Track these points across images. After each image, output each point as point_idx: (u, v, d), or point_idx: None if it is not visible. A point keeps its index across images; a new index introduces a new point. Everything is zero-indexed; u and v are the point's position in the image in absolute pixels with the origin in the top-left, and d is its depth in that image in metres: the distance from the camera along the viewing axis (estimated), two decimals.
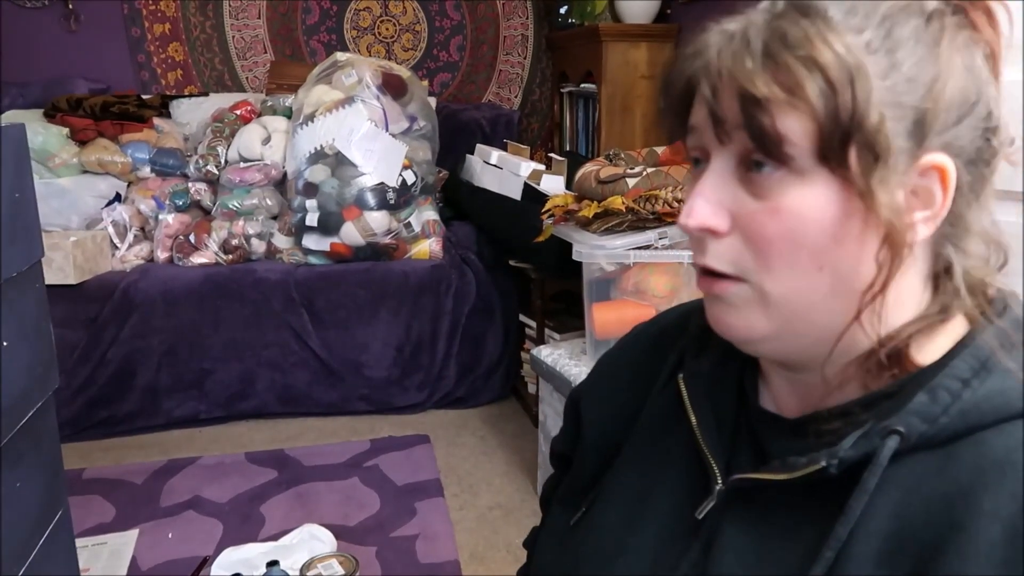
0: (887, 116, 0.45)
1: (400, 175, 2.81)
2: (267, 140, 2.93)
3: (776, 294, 0.49)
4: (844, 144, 0.45)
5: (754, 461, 0.55)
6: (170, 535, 2.04)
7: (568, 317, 2.59)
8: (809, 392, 0.54)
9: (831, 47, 0.45)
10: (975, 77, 0.48)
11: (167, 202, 2.87)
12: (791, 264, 0.48)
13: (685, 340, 0.64)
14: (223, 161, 2.92)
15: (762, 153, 0.47)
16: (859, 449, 0.47)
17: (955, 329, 0.51)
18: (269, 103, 3.10)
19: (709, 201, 0.50)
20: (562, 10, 3.33)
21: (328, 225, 2.74)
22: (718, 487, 0.55)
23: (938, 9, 0.48)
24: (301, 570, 1.68)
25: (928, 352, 0.50)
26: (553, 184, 2.59)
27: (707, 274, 0.52)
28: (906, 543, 0.45)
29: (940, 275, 0.51)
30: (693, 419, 0.59)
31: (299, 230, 2.78)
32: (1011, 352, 0.48)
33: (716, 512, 0.55)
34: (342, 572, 1.68)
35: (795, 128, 0.46)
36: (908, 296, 0.51)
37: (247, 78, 3.58)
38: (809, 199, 0.47)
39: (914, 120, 0.46)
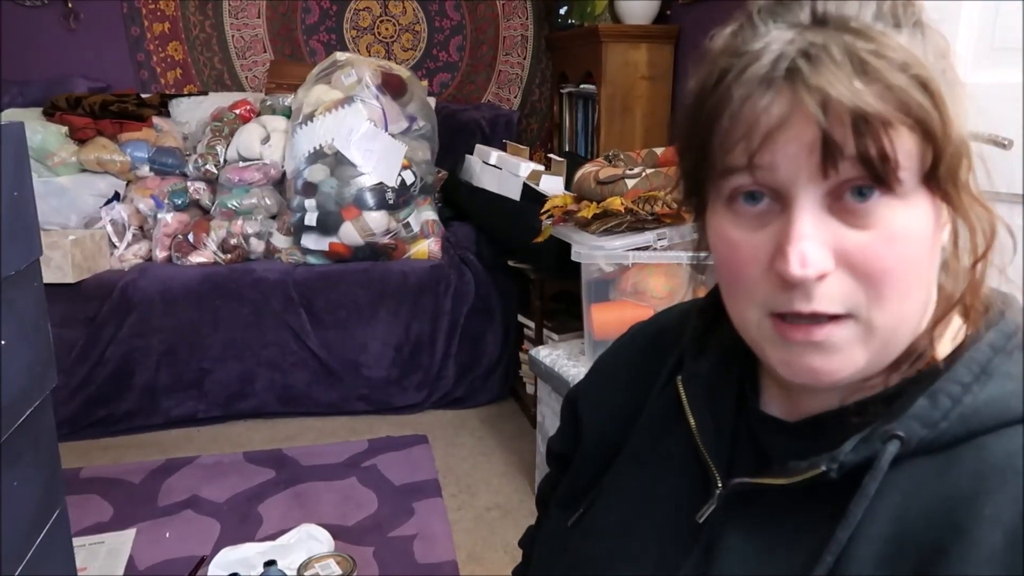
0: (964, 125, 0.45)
1: (399, 175, 2.81)
2: (266, 140, 2.93)
3: (884, 325, 0.47)
4: (953, 162, 0.44)
5: (755, 464, 0.55)
6: (168, 534, 2.04)
7: (567, 318, 2.59)
8: (810, 396, 0.54)
9: (918, 60, 0.43)
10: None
11: (166, 201, 2.87)
12: (904, 291, 0.46)
13: (684, 341, 0.64)
14: (222, 160, 2.92)
15: (872, 179, 0.44)
16: (860, 453, 0.47)
17: (956, 332, 0.51)
18: (268, 102, 3.09)
19: (817, 244, 0.45)
20: (562, 11, 3.33)
21: (327, 225, 2.74)
22: (718, 491, 0.55)
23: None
24: (299, 570, 1.68)
25: (938, 348, 0.50)
26: (552, 185, 2.59)
27: (786, 319, 0.47)
28: (907, 547, 0.45)
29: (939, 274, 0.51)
30: (692, 422, 0.58)
31: (298, 230, 2.78)
32: (1009, 358, 0.48)
33: (717, 515, 0.54)
34: (339, 572, 1.68)
35: (909, 149, 0.44)
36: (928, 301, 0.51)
37: (246, 77, 3.58)
38: (915, 220, 0.45)
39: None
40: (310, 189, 2.75)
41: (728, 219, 0.49)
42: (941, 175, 0.44)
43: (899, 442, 0.46)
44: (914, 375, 0.49)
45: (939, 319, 0.50)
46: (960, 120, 0.45)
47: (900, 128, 0.43)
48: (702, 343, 0.61)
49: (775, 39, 0.45)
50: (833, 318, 0.46)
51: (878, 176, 0.43)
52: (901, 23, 0.45)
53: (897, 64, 0.43)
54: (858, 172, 0.44)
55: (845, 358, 0.47)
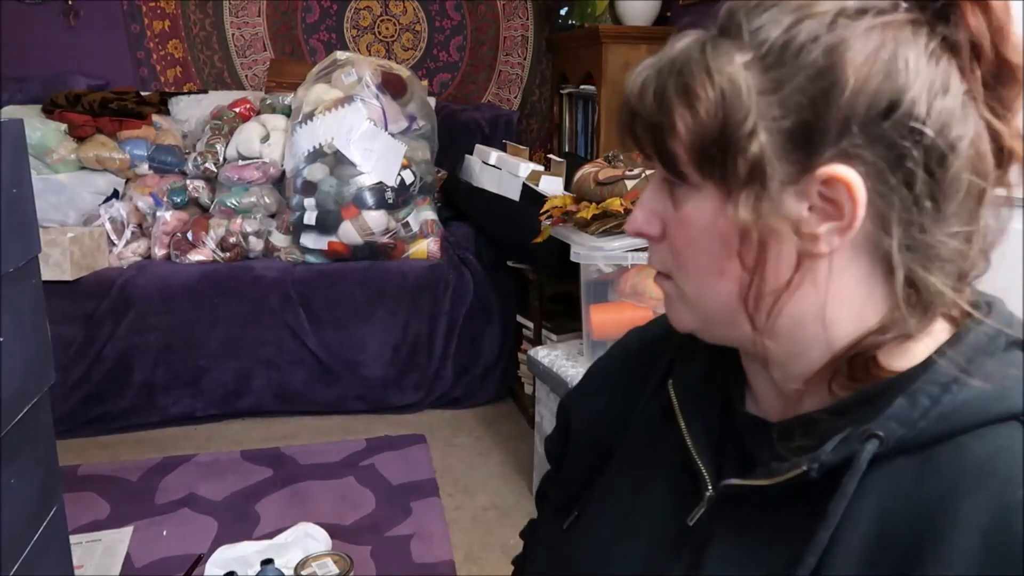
0: (763, 130, 0.46)
1: (399, 175, 2.81)
2: (266, 138, 2.93)
3: (690, 294, 0.54)
4: (713, 160, 0.48)
5: (741, 466, 0.56)
6: (164, 532, 2.04)
7: (565, 318, 2.59)
8: (790, 396, 0.54)
9: (711, 74, 0.47)
10: (892, 80, 0.45)
11: (165, 199, 2.87)
12: (696, 269, 0.53)
13: (674, 347, 0.64)
14: (221, 159, 2.91)
15: (667, 171, 0.52)
16: (839, 454, 0.47)
17: (935, 333, 0.51)
18: (268, 101, 3.09)
19: (644, 209, 0.55)
20: (562, 11, 3.33)
21: (326, 224, 2.74)
22: (708, 494, 0.55)
23: (860, 8, 0.46)
24: (296, 569, 1.68)
25: (907, 356, 0.50)
26: (552, 185, 2.59)
27: (657, 272, 0.58)
28: (887, 548, 0.45)
29: (905, 286, 0.49)
30: (683, 426, 0.59)
31: (297, 228, 2.78)
32: (990, 359, 0.48)
33: (706, 518, 0.55)
34: (336, 571, 1.68)
35: (678, 148, 0.50)
36: (851, 305, 0.50)
37: (246, 76, 3.58)
38: (701, 210, 0.51)
39: (800, 132, 0.46)
40: (309, 188, 2.75)
41: None
42: (707, 173, 0.49)
43: (878, 441, 0.46)
44: (872, 383, 0.50)
45: (884, 331, 0.49)
46: (750, 134, 0.46)
47: (670, 131, 0.49)
48: (691, 348, 0.62)
49: (676, 47, 0.51)
50: (663, 274, 0.56)
51: (665, 166, 0.52)
52: (768, 36, 0.47)
53: (681, 78, 0.48)
54: (658, 161, 0.52)
55: (676, 311, 0.57)
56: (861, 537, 0.46)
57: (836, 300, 0.50)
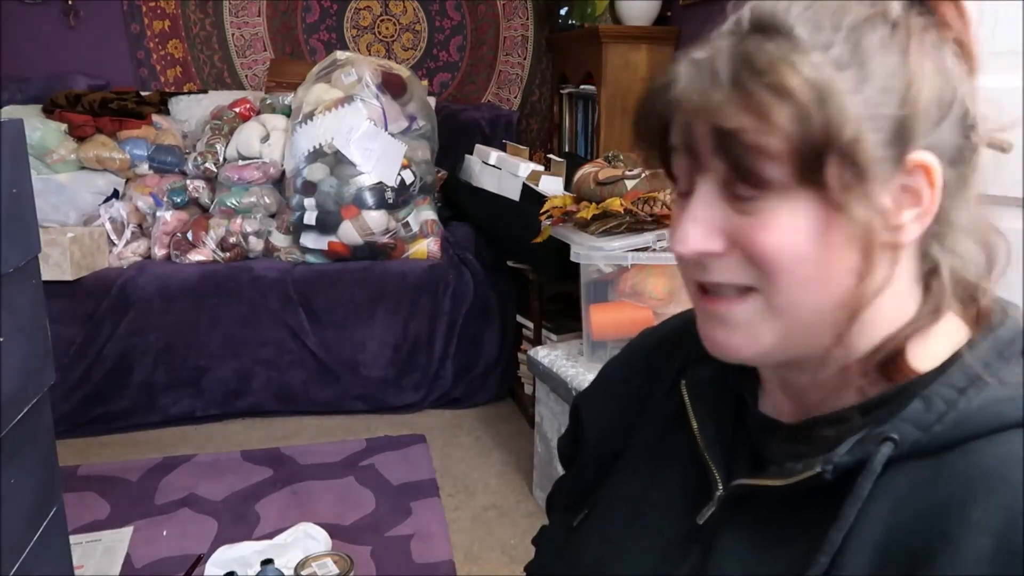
0: (863, 129, 0.45)
1: (399, 175, 2.81)
2: (266, 138, 2.93)
3: (784, 304, 0.49)
4: (820, 164, 0.46)
5: (752, 466, 0.56)
6: (164, 533, 2.04)
7: (565, 319, 2.59)
8: (806, 397, 0.54)
9: (798, 70, 0.45)
10: (947, 77, 0.48)
11: (165, 199, 2.87)
12: (796, 277, 0.48)
13: (687, 347, 0.64)
14: (221, 159, 2.91)
15: (741, 181, 0.48)
16: (854, 455, 0.47)
17: (953, 336, 0.51)
18: (268, 101, 3.09)
19: (700, 225, 0.50)
20: (562, 11, 3.33)
21: (326, 224, 2.74)
22: (719, 493, 0.55)
23: (903, 14, 0.48)
24: (296, 569, 1.68)
25: (925, 359, 0.50)
26: (552, 185, 2.59)
27: (707, 292, 0.52)
28: (899, 551, 0.45)
29: (929, 276, 0.51)
30: (695, 425, 0.59)
31: (297, 228, 2.78)
32: (1006, 365, 0.48)
33: (716, 517, 0.55)
34: (336, 571, 1.67)
35: (770, 154, 0.46)
36: (898, 300, 0.51)
37: (246, 76, 3.58)
38: (796, 216, 0.47)
39: (894, 129, 0.47)
40: (309, 188, 2.75)
41: (675, 200, 0.54)
42: (815, 176, 0.46)
43: (892, 444, 0.46)
44: (904, 381, 0.50)
45: (917, 328, 0.50)
46: (861, 130, 0.45)
47: (759, 136, 0.46)
48: (704, 349, 0.62)
49: (707, 48, 0.49)
50: (739, 293, 0.50)
51: (742, 175, 0.47)
52: (829, 26, 0.47)
53: (765, 75, 0.45)
54: (729, 172, 0.48)
55: (747, 335, 0.51)
56: (873, 539, 0.46)
57: (883, 297, 0.49)
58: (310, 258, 2.80)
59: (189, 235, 2.77)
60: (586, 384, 0.78)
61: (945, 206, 0.49)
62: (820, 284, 0.48)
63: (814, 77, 0.45)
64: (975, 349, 0.49)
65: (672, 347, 0.67)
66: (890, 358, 0.50)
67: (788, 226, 0.47)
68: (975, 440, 0.46)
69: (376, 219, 2.75)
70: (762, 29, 0.48)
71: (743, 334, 0.51)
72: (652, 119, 0.52)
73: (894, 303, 0.50)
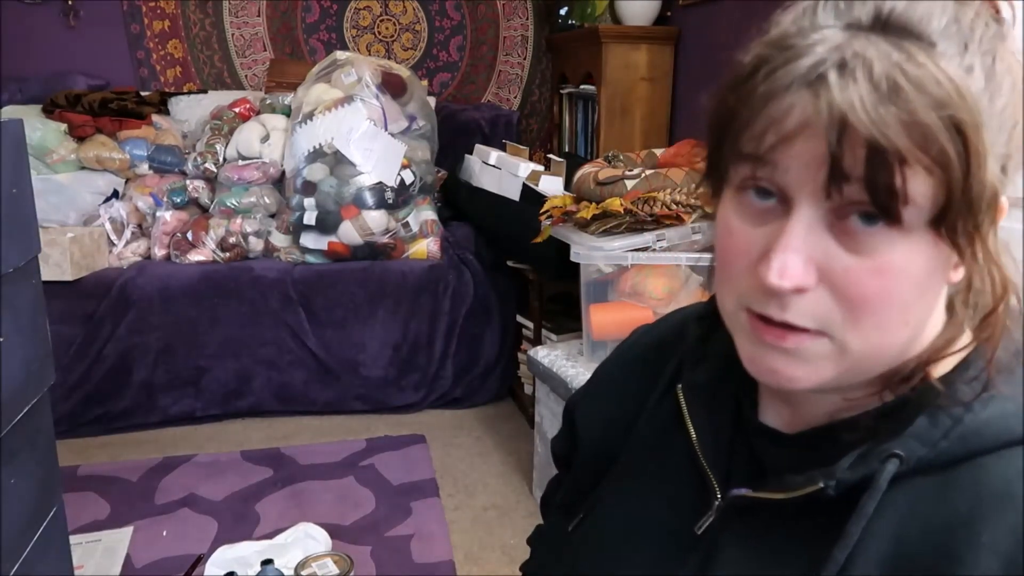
0: (994, 160, 0.42)
1: (399, 175, 2.81)
2: (266, 138, 2.93)
3: (858, 350, 0.46)
4: (969, 210, 0.41)
5: (752, 475, 0.55)
6: (164, 533, 2.04)
7: (565, 319, 2.59)
8: (808, 408, 0.53)
9: (965, 99, 0.40)
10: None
11: (165, 199, 2.87)
12: (884, 323, 0.45)
13: (683, 350, 0.63)
14: (221, 159, 2.91)
15: (879, 210, 0.42)
16: (857, 471, 0.46)
17: (959, 346, 0.50)
18: (268, 101, 3.09)
19: (802, 258, 0.44)
20: (562, 11, 3.33)
21: (326, 224, 2.74)
22: (717, 502, 0.54)
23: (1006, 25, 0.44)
24: (296, 569, 1.68)
25: (941, 365, 0.49)
26: (551, 185, 2.59)
27: (779, 326, 0.47)
28: (904, 569, 0.44)
29: (955, 296, 0.49)
30: (692, 432, 0.58)
31: (297, 229, 2.78)
32: (1012, 377, 0.47)
33: (714, 527, 0.54)
34: (336, 571, 1.68)
35: (922, 190, 0.41)
36: (934, 322, 0.49)
37: (246, 76, 3.58)
38: (912, 258, 0.43)
39: (1004, 163, 0.43)
40: (309, 188, 2.75)
41: (734, 207, 0.48)
42: (951, 222, 0.42)
43: (898, 461, 0.45)
44: (910, 393, 0.48)
45: (941, 349, 0.48)
46: (994, 171, 0.41)
47: (916, 166, 0.40)
48: (701, 352, 0.61)
49: (823, 40, 0.42)
50: (806, 330, 0.46)
51: (883, 207, 0.42)
52: (969, 44, 0.42)
53: (934, 99, 0.40)
54: (863, 198, 0.42)
55: (812, 369, 0.47)
56: (878, 557, 0.45)
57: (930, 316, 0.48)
58: (310, 258, 2.80)
59: (189, 235, 2.77)
60: None
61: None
62: (900, 328, 0.45)
63: (974, 108, 0.40)
64: (981, 361, 0.48)
65: (668, 348, 0.65)
66: (912, 376, 0.48)
67: (902, 271, 0.43)
68: (982, 456, 0.45)
69: (376, 219, 2.75)
70: (896, 31, 0.42)
71: (806, 368, 0.47)
72: (777, 125, 0.43)
73: (932, 324, 0.49)
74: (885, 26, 0.42)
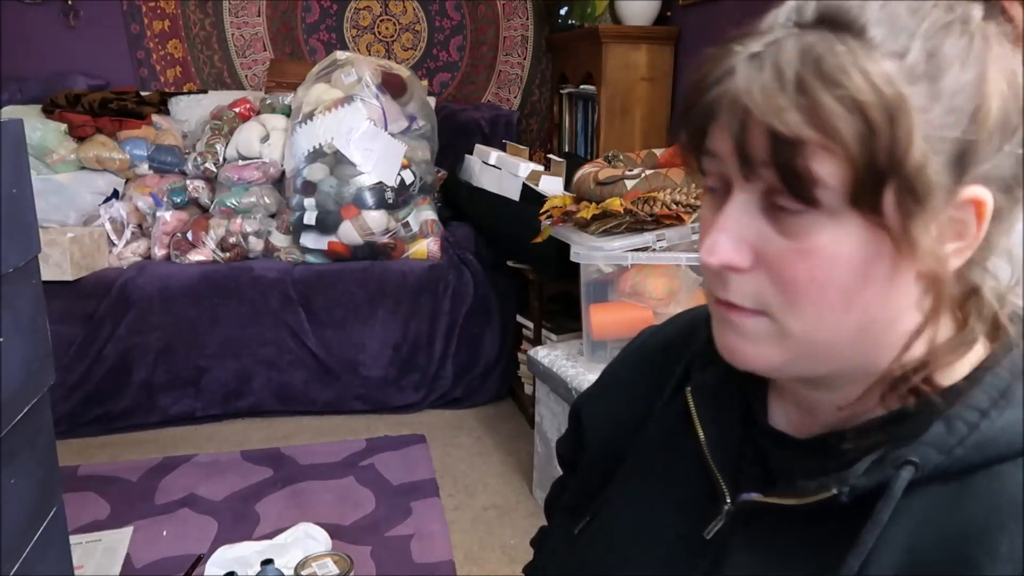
0: (929, 153, 0.42)
1: (399, 174, 2.81)
2: (266, 138, 2.93)
3: (799, 332, 0.47)
4: (880, 188, 0.42)
5: (762, 480, 0.54)
6: (165, 533, 2.04)
7: (565, 319, 2.59)
8: (820, 412, 0.53)
9: (871, 81, 0.41)
10: (1016, 95, 0.44)
11: (165, 199, 2.87)
12: (818, 305, 0.46)
13: (692, 351, 0.62)
14: (221, 159, 2.91)
15: (791, 194, 0.44)
16: (872, 478, 0.45)
17: (973, 352, 0.49)
18: (268, 101, 3.09)
19: (732, 237, 0.47)
20: (562, 11, 3.33)
21: (326, 224, 2.74)
22: (726, 507, 0.54)
23: (983, 22, 0.44)
24: (296, 569, 1.68)
25: (950, 374, 0.48)
26: (551, 185, 2.59)
27: (726, 302, 0.49)
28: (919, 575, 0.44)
29: (964, 298, 0.48)
30: (701, 435, 0.57)
31: (297, 228, 2.78)
32: None
33: (724, 531, 0.54)
34: (336, 571, 1.68)
35: (829, 171, 0.42)
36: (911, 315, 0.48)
37: (246, 76, 3.58)
38: (840, 241, 0.44)
39: (956, 154, 0.43)
40: (309, 188, 2.75)
41: (704, 200, 0.51)
42: (867, 203, 0.43)
43: (913, 468, 0.44)
44: (921, 399, 0.48)
45: (946, 353, 0.48)
46: (926, 153, 0.42)
47: (818, 149, 0.42)
48: (710, 354, 0.59)
49: (767, 39, 0.44)
50: (747, 309, 0.48)
51: (794, 190, 0.43)
52: (910, 28, 0.43)
53: (834, 82, 0.41)
54: (778, 182, 0.44)
55: (758, 349, 0.49)
56: (892, 565, 0.45)
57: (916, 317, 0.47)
58: (310, 258, 2.80)
59: (189, 235, 2.77)
60: (586, 384, 0.78)
61: (990, 231, 0.46)
62: (842, 314, 0.46)
63: (888, 91, 0.41)
64: (997, 367, 0.47)
65: (677, 349, 0.65)
66: (922, 380, 0.48)
67: (830, 254, 0.44)
68: (998, 464, 0.44)
69: (376, 219, 2.75)
70: (830, 24, 0.43)
71: (754, 347, 0.49)
72: (701, 111, 0.47)
73: (903, 321, 0.48)
74: (824, 20, 0.44)
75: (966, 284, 0.48)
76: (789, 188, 0.44)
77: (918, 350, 0.47)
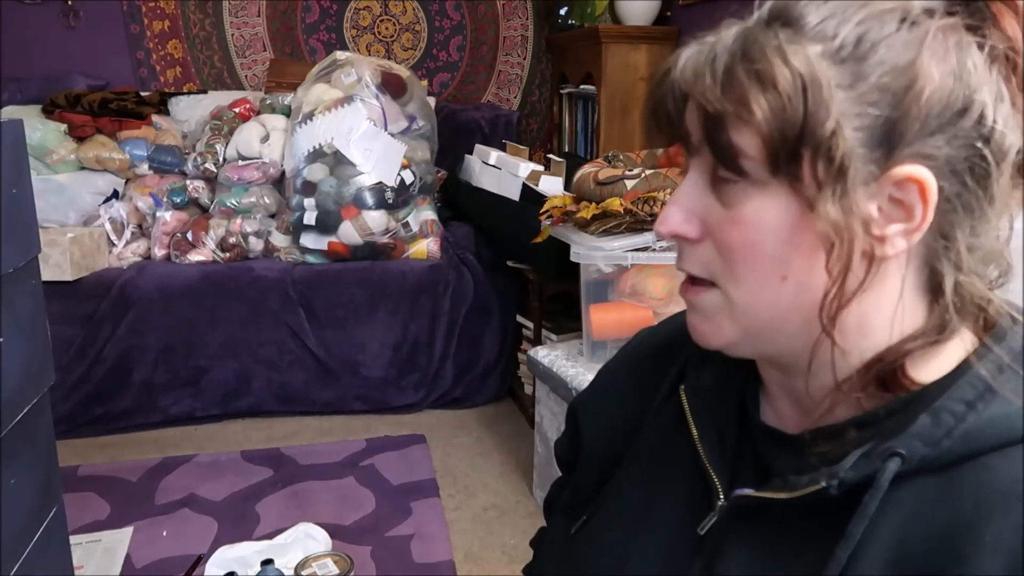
0: (846, 126, 0.44)
1: (399, 175, 2.81)
2: (266, 138, 2.93)
3: (741, 302, 0.50)
4: (795, 157, 0.45)
5: (756, 477, 0.55)
6: (165, 533, 2.04)
7: (565, 319, 2.59)
8: (808, 407, 0.53)
9: (788, 60, 0.44)
10: (964, 83, 0.45)
11: (165, 199, 2.87)
12: (754, 273, 0.49)
13: (687, 352, 0.63)
14: (221, 159, 2.91)
15: (722, 166, 0.48)
16: (860, 471, 0.46)
17: (959, 346, 0.50)
18: (268, 101, 3.09)
19: (681, 209, 0.51)
20: (562, 11, 3.33)
21: (326, 224, 2.74)
22: (720, 503, 0.54)
23: (927, 10, 0.46)
24: (296, 569, 1.68)
25: (930, 370, 0.49)
26: (551, 185, 2.59)
27: (687, 281, 0.54)
28: (908, 569, 0.44)
29: (935, 289, 0.49)
30: (695, 433, 0.58)
31: (297, 229, 2.78)
32: (1016, 376, 0.47)
33: (718, 528, 0.54)
34: (336, 571, 1.68)
35: (747, 141, 0.46)
36: (898, 312, 0.49)
37: (246, 76, 3.58)
38: (767, 209, 0.47)
39: (882, 130, 0.45)
40: (309, 188, 2.75)
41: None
42: (783, 171, 0.46)
43: (900, 460, 0.45)
44: (910, 393, 0.48)
45: (917, 338, 0.49)
46: (836, 128, 0.44)
47: (737, 122, 0.46)
48: (705, 354, 0.60)
49: (720, 31, 0.49)
50: (701, 282, 0.52)
51: (722, 160, 0.48)
52: (844, 13, 0.46)
53: (749, 58, 0.45)
54: (711, 155, 0.48)
55: (714, 325, 0.52)
56: (881, 556, 0.45)
57: (877, 306, 0.49)
58: (310, 258, 2.80)
59: (189, 235, 2.77)
60: (586, 384, 0.78)
61: (950, 221, 0.47)
62: (778, 283, 0.49)
63: (803, 69, 0.44)
64: (984, 360, 0.48)
65: (672, 350, 0.65)
66: (889, 370, 0.49)
67: (757, 220, 0.48)
68: (985, 455, 0.45)
69: (376, 219, 2.75)
70: (776, 18, 0.47)
71: (710, 323, 0.53)
72: (657, 102, 0.52)
73: (892, 313, 0.49)
74: (773, 17, 0.47)
75: (935, 275, 0.49)
76: (718, 159, 0.48)
77: (882, 337, 0.49)
